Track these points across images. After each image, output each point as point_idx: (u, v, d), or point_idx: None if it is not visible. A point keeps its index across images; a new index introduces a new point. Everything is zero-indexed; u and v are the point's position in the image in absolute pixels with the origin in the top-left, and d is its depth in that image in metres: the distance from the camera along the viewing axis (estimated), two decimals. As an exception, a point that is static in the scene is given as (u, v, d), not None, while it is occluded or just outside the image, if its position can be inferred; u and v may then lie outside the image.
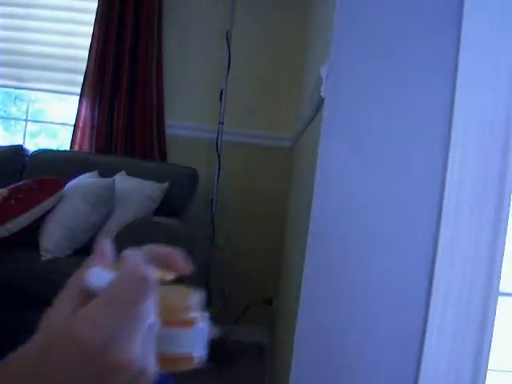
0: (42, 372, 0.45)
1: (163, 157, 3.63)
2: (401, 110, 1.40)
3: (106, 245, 0.55)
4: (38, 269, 2.64)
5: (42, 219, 2.83)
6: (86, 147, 3.66)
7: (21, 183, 2.92)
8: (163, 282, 0.53)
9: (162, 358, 0.51)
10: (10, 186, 2.88)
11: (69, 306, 0.48)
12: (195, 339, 0.53)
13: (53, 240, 2.75)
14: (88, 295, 0.48)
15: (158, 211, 3.05)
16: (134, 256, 0.51)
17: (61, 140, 3.97)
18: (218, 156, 3.51)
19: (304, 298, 1.45)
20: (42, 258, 2.71)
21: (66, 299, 0.48)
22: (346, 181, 1.41)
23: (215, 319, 0.58)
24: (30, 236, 2.84)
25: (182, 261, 0.57)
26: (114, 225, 2.81)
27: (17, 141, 3.85)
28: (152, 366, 0.47)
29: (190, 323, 0.54)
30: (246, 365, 3.20)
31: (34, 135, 4.07)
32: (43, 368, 0.45)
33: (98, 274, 0.49)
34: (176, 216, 3.12)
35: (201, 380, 2.83)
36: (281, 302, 2.87)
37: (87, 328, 0.44)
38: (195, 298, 0.56)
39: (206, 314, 0.55)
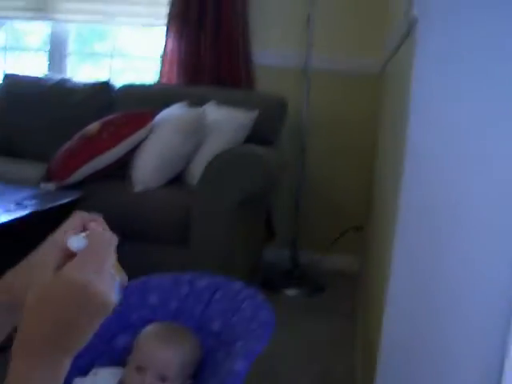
0: (42, 311, 0.64)
1: (251, 86, 3.59)
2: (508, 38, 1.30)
3: (77, 216, 0.78)
4: (130, 200, 2.72)
5: (133, 151, 2.89)
6: (173, 79, 3.68)
7: (112, 117, 2.98)
8: None
9: None
10: (102, 120, 2.95)
11: (54, 264, 0.66)
12: (116, 290, 0.70)
13: (145, 171, 2.80)
14: (69, 255, 0.67)
15: (248, 140, 3.04)
16: (97, 225, 0.75)
17: (146, 74, 4.00)
18: (307, 84, 3.43)
19: (399, 226, 1.41)
20: (135, 190, 2.78)
21: (50, 260, 0.66)
22: (441, 104, 1.34)
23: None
24: (123, 169, 2.92)
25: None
26: (205, 155, 2.83)
27: (103, 77, 3.91)
28: (113, 301, 0.66)
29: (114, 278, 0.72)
30: (337, 293, 3.22)
31: (119, 71, 4.12)
32: (44, 308, 0.64)
33: (76, 239, 0.68)
34: (266, 145, 3.10)
35: (293, 309, 2.89)
36: (372, 230, 2.83)
37: (75, 273, 0.64)
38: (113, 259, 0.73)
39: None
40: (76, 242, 0.69)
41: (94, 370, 1.37)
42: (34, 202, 2.23)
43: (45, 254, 0.72)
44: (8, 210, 2.08)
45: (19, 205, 2.16)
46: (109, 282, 0.67)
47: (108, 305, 0.66)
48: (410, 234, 1.41)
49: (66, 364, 0.67)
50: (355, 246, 3.56)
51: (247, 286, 1.49)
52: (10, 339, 0.70)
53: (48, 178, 2.82)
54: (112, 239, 0.71)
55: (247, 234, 3.07)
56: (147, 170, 2.81)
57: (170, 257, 2.60)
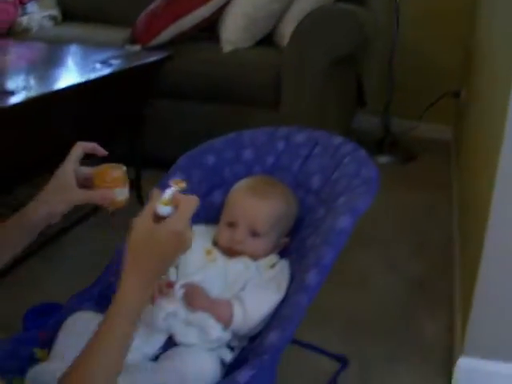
0: (150, 249, 0.86)
1: None
2: None
3: (78, 146, 1.08)
4: (219, 61, 2.62)
5: (221, 11, 2.75)
6: None
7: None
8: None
9: (113, 203, 1.06)
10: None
11: (151, 219, 0.87)
12: (127, 190, 1.08)
13: (233, 31, 2.68)
14: (158, 218, 0.88)
15: (340, -1, 2.83)
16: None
17: None
18: None
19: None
20: (223, 50, 2.67)
21: (149, 216, 0.88)
22: None
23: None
24: (209, 30, 2.79)
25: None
26: (295, 13, 2.66)
27: None
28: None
29: (126, 182, 1.08)
30: (430, 162, 3.08)
31: None
32: (151, 247, 0.86)
33: (163, 208, 0.89)
34: (358, 4, 2.88)
35: (386, 176, 2.78)
36: (470, 95, 2.63)
37: (176, 225, 0.86)
38: (124, 170, 1.08)
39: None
40: (163, 209, 0.88)
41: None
42: (119, 61, 2.16)
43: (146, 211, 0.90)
44: (94, 69, 2.02)
45: (105, 63, 2.10)
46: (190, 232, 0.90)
47: (190, 247, 0.90)
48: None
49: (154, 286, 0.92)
50: (449, 114, 3.35)
51: (348, 141, 1.38)
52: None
53: (133, 40, 2.74)
54: (194, 200, 0.92)
55: (339, 98, 2.93)
56: (235, 29, 2.67)
57: (259, 120, 2.48)
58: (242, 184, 1.31)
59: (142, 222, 0.87)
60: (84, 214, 2.20)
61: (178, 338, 1.08)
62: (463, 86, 3.01)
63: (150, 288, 0.88)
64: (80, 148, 1.08)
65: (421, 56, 3.38)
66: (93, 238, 2.16)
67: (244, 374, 0.98)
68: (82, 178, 1.07)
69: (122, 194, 1.07)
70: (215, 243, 1.25)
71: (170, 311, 1.07)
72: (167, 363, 1.04)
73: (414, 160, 3.11)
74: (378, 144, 3.21)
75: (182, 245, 0.88)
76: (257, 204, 1.24)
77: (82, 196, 1.04)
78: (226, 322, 1.08)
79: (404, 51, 3.27)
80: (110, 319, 0.86)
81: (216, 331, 1.07)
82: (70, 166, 1.05)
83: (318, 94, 2.60)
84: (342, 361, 1.49)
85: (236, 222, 1.23)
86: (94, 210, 2.21)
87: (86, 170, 1.08)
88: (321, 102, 2.62)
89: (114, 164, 1.09)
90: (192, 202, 0.91)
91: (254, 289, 1.14)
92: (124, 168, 1.09)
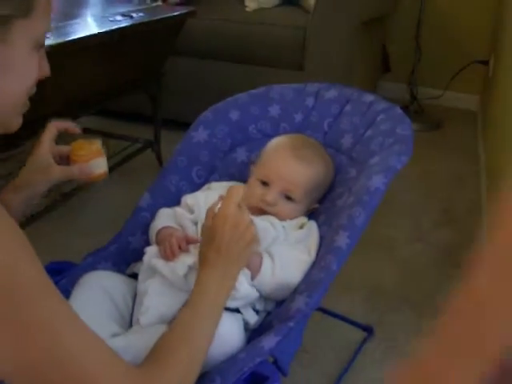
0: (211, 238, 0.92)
1: None
2: None
3: (52, 125, 1.07)
4: (242, 20, 2.52)
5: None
6: None
7: None
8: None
9: (92, 177, 1.07)
10: None
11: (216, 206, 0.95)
12: (106, 163, 1.09)
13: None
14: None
15: None
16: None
17: None
18: None
19: None
20: (247, 9, 2.58)
21: (214, 204, 0.96)
22: None
23: None
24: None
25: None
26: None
27: None
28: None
29: (102, 154, 1.09)
30: (457, 131, 2.98)
31: None
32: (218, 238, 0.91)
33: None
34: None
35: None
36: (499, 63, 2.52)
37: (222, 209, 0.93)
38: (99, 143, 1.09)
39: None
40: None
41: (207, 185, 1.26)
42: (140, 14, 2.08)
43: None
44: (115, 20, 1.94)
45: (126, 16, 2.02)
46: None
47: (249, 228, 0.95)
48: None
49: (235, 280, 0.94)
50: (476, 83, 3.24)
51: (380, 98, 1.31)
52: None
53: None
54: (241, 187, 0.96)
55: (364, 63, 2.84)
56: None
57: (283, 81, 2.42)
58: (282, 141, 1.22)
59: (205, 226, 0.95)
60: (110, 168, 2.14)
61: None
62: (492, 54, 2.90)
63: (227, 276, 0.92)
64: (54, 127, 1.06)
65: (448, 23, 3.25)
66: (112, 195, 2.12)
67: (269, 340, 0.92)
68: (58, 156, 1.06)
69: (99, 166, 1.07)
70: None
71: (192, 265, 1.00)
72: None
73: (439, 129, 3.01)
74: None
75: (237, 227, 0.91)
76: (297, 168, 1.15)
77: (60, 173, 1.04)
78: (254, 271, 1.01)
79: (431, 18, 3.15)
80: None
81: (243, 286, 0.99)
82: (46, 146, 1.04)
83: (343, 57, 2.51)
84: (368, 330, 1.44)
85: (271, 181, 1.14)
86: (118, 164, 2.15)
87: (62, 148, 1.07)
88: (346, 65, 2.53)
89: (89, 138, 1.10)
90: (239, 189, 0.94)
91: (282, 246, 1.06)
92: (100, 141, 1.10)
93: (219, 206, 0.94)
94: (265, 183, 1.15)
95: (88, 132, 2.36)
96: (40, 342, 0.65)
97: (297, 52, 2.41)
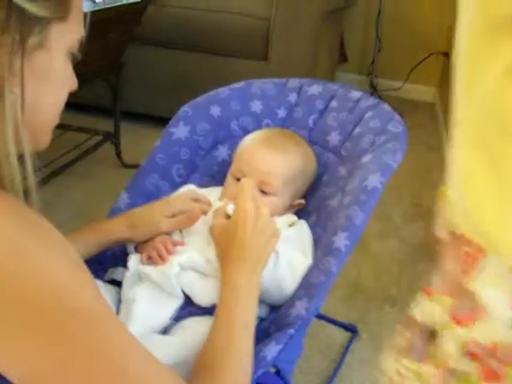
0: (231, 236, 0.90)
1: None
2: None
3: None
4: (205, 7, 2.45)
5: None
6: None
7: None
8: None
9: None
10: None
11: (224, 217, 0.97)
12: None
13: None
14: (227, 215, 0.96)
15: None
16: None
17: None
18: None
19: None
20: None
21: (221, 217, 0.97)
22: None
23: None
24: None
25: None
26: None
27: None
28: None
29: None
30: (417, 123, 2.97)
31: None
32: (231, 234, 0.90)
33: (230, 207, 0.95)
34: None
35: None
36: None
37: (239, 204, 0.93)
38: None
39: None
40: (230, 207, 0.95)
41: (187, 185, 1.20)
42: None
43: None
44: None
45: (87, 1, 1.92)
46: None
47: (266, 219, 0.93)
48: None
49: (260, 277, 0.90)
50: (435, 74, 3.26)
51: (367, 95, 1.27)
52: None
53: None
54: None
55: (326, 52, 2.81)
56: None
57: (246, 72, 2.37)
58: (255, 134, 1.18)
59: (219, 225, 0.94)
60: (67, 162, 2.04)
61: (196, 296, 0.95)
62: (453, 46, 2.91)
63: (255, 272, 0.89)
64: None
65: (408, 14, 3.25)
66: (72, 190, 2.03)
67: (271, 349, 0.88)
68: None
69: None
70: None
71: (183, 263, 0.95)
72: (179, 335, 0.92)
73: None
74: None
75: (258, 222, 0.90)
76: (271, 157, 1.09)
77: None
78: None
79: (391, 9, 3.15)
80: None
81: None
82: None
83: (307, 47, 2.48)
84: (352, 330, 1.41)
85: (244, 175, 1.08)
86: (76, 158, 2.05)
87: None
88: (310, 55, 2.50)
89: None
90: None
91: (283, 245, 0.99)
92: None
93: (231, 206, 0.93)
94: (239, 180, 1.08)
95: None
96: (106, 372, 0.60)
97: (261, 42, 2.36)
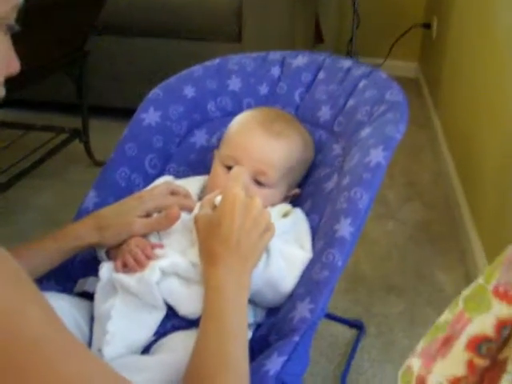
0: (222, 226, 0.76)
1: None
2: None
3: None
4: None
5: None
6: None
7: None
8: None
9: None
10: None
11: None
12: None
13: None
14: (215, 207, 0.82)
15: None
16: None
17: None
18: None
19: None
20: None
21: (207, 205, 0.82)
22: None
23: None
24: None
25: None
26: None
27: None
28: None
29: None
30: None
31: None
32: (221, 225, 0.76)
33: (219, 198, 0.81)
34: None
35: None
36: (445, 24, 2.41)
37: (230, 189, 0.80)
38: None
39: None
40: (218, 199, 0.80)
41: (163, 177, 1.06)
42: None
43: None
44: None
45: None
46: None
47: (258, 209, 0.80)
48: None
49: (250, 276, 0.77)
50: (416, 48, 3.14)
51: (358, 63, 1.13)
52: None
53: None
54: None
55: (302, 34, 2.68)
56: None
57: (220, 54, 2.23)
58: (248, 114, 1.02)
59: (204, 215, 0.80)
60: (32, 164, 1.88)
61: (180, 306, 0.81)
62: (434, 17, 2.79)
63: (243, 272, 0.77)
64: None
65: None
66: (39, 193, 1.87)
67: (274, 362, 0.74)
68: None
69: None
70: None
71: (167, 267, 0.82)
72: (160, 355, 0.77)
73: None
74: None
75: (248, 213, 0.78)
76: (268, 144, 0.95)
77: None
78: None
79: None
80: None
81: None
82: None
83: (282, 27, 2.35)
84: (358, 327, 1.28)
85: (237, 164, 0.94)
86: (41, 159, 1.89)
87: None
88: (287, 35, 2.36)
89: None
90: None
91: (276, 239, 0.85)
92: None
93: (219, 197, 0.80)
94: (231, 168, 0.94)
95: (4, 126, 2.10)
96: None
97: (233, 21, 2.21)
